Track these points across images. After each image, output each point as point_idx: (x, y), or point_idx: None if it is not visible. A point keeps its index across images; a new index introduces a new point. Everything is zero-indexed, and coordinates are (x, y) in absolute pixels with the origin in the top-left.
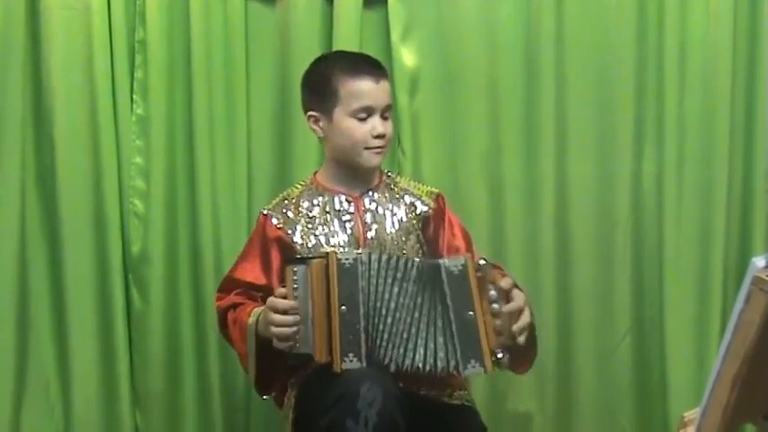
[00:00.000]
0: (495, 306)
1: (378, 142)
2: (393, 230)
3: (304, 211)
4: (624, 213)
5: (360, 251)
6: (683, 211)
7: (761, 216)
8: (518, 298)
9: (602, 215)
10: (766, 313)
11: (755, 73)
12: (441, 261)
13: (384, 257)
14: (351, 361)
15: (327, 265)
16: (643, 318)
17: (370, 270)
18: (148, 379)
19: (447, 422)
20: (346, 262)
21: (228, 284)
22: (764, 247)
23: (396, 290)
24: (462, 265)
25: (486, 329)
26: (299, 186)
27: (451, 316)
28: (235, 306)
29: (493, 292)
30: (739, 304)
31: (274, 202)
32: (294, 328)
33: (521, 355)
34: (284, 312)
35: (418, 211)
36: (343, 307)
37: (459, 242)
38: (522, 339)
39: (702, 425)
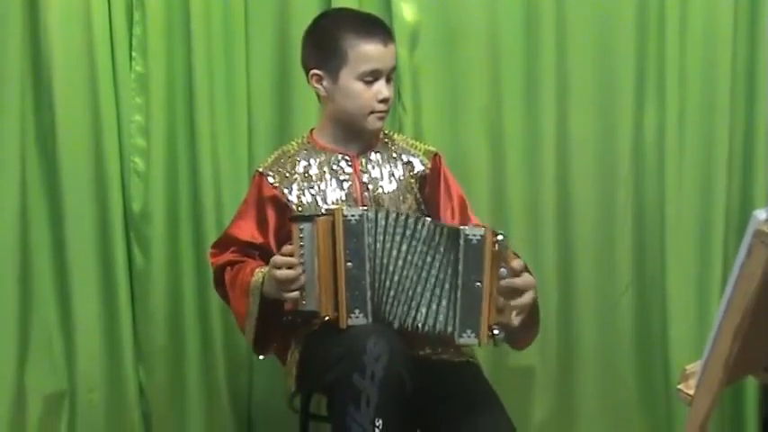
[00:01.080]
0: (503, 284)
1: (382, 107)
2: (391, 190)
3: (301, 170)
4: (625, 168)
5: (366, 208)
6: (684, 164)
7: (762, 169)
8: (525, 278)
9: (603, 170)
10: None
11: (757, 23)
12: (462, 228)
13: (392, 215)
14: (356, 317)
15: (333, 222)
16: (644, 272)
17: (376, 227)
18: (151, 335)
19: (450, 379)
20: (352, 218)
21: (224, 242)
22: (766, 200)
23: (404, 247)
24: (481, 236)
25: (490, 304)
26: (296, 144)
27: (459, 282)
28: (232, 264)
29: (503, 270)
30: (740, 257)
31: (270, 159)
32: (301, 282)
33: (521, 333)
34: (290, 268)
35: (416, 171)
36: (349, 263)
37: (454, 204)
38: (516, 319)
39: (704, 377)
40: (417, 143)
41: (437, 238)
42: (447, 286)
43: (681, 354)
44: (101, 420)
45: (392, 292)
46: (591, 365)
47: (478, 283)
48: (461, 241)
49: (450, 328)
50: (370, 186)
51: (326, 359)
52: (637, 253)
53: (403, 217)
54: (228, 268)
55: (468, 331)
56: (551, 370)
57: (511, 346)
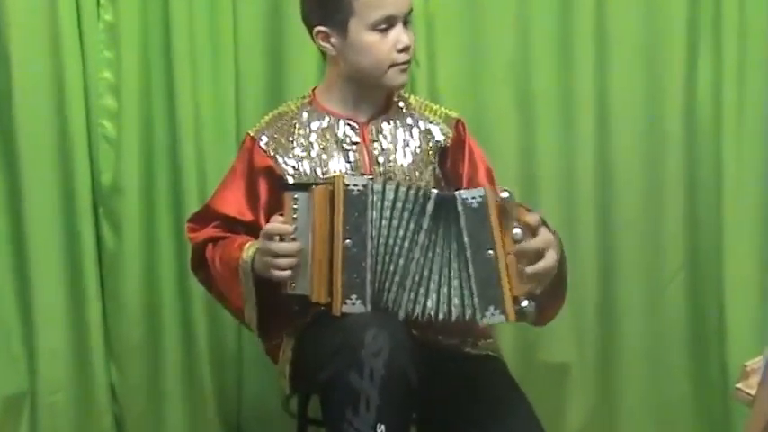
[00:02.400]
0: (520, 247)
1: (404, 57)
2: (405, 163)
3: (299, 136)
4: (676, 132)
5: (371, 177)
6: (743, 126)
7: None
8: (543, 236)
9: (649, 135)
10: None
11: None
12: (457, 193)
13: (402, 188)
14: (353, 303)
15: (333, 191)
16: (698, 252)
17: (383, 200)
18: (124, 329)
19: (469, 375)
20: (355, 189)
21: (205, 215)
22: None
23: (412, 226)
24: (481, 197)
25: (509, 271)
26: (294, 105)
27: (468, 255)
28: (214, 240)
29: (518, 230)
30: None
31: (264, 121)
32: (296, 258)
33: (543, 303)
34: (284, 240)
35: (435, 141)
36: (348, 241)
37: (481, 178)
38: (533, 285)
39: None
40: (437, 107)
41: (438, 210)
42: (456, 264)
43: (740, 348)
44: (66, 426)
45: (397, 278)
46: (636, 361)
47: (490, 252)
48: (460, 207)
49: (469, 311)
50: (381, 159)
51: (320, 355)
52: (689, 230)
53: (413, 190)
54: (210, 245)
55: (491, 308)
56: (589, 366)
57: (531, 321)
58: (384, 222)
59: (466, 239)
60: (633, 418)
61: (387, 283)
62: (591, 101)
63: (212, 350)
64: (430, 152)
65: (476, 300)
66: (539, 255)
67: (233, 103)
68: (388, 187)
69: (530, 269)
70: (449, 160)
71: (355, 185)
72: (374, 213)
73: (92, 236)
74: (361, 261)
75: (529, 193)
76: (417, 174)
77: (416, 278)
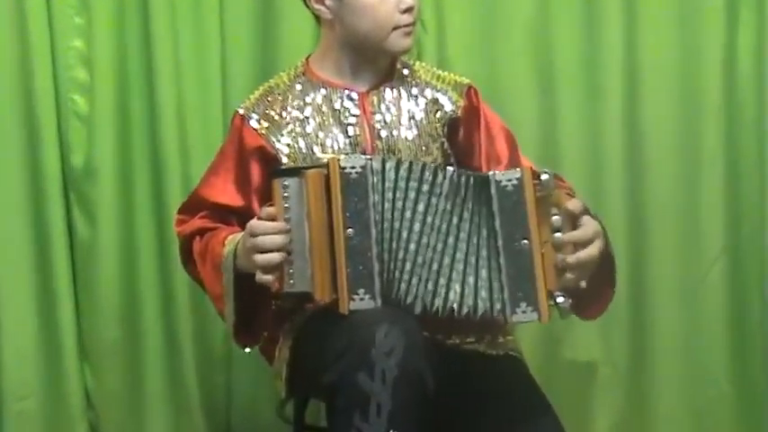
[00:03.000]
0: (559, 235)
1: (407, 18)
2: (410, 137)
3: (293, 111)
4: (714, 102)
5: (369, 157)
6: None
7: None
8: (588, 226)
9: (685, 105)
10: None
11: None
12: (490, 174)
13: (404, 165)
14: (361, 299)
15: (328, 176)
16: (739, 236)
17: (384, 181)
18: (99, 329)
19: (486, 377)
20: (352, 171)
21: (193, 205)
22: None
23: (421, 207)
24: (518, 180)
25: (545, 264)
26: (287, 77)
27: (500, 244)
28: (202, 232)
29: (556, 218)
30: None
31: (254, 97)
32: (283, 254)
33: (590, 297)
34: (271, 234)
35: (444, 111)
36: (350, 230)
37: (501, 147)
38: (578, 277)
39: None
40: (445, 74)
41: (462, 191)
42: (484, 252)
43: None
44: None
45: (408, 266)
46: (670, 359)
47: (525, 241)
48: (493, 190)
49: (498, 306)
50: (384, 133)
51: (324, 356)
52: (730, 211)
53: (419, 166)
54: (198, 238)
55: (523, 305)
56: (620, 366)
57: (578, 315)
58: (387, 205)
59: (498, 226)
60: (667, 423)
61: (396, 273)
62: (619, 69)
63: (199, 351)
64: (437, 124)
65: (506, 294)
66: (583, 243)
67: (219, 73)
68: (388, 165)
69: (570, 259)
70: (461, 132)
71: (352, 168)
72: (376, 197)
73: (62, 225)
74: (366, 251)
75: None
76: (424, 148)
77: (434, 266)
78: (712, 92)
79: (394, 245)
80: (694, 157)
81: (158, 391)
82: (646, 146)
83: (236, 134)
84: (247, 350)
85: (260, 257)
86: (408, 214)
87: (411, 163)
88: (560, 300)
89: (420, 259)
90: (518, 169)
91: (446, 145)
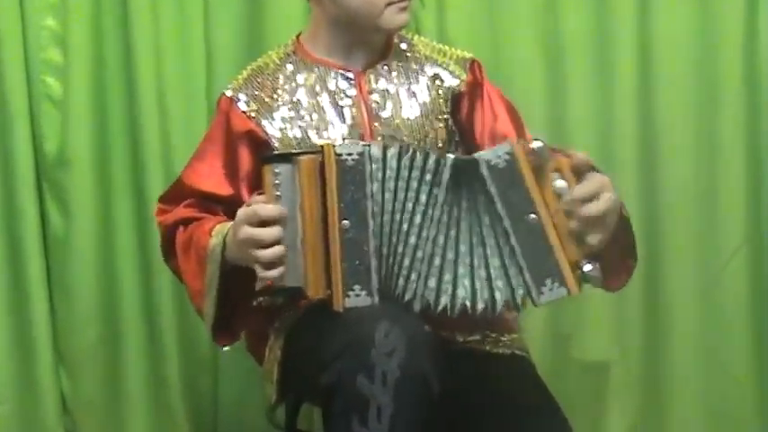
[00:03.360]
0: (567, 200)
1: None
2: (412, 117)
3: (284, 93)
4: (734, 81)
5: (368, 143)
6: None
7: None
8: (592, 178)
9: (703, 86)
10: None
11: None
12: (477, 155)
13: (407, 152)
14: (357, 296)
15: (322, 163)
16: (762, 224)
17: (384, 169)
18: (76, 329)
19: (490, 377)
20: (349, 158)
21: (176, 193)
22: None
23: (423, 198)
24: (508, 154)
25: (560, 233)
26: (276, 56)
27: (507, 226)
28: (185, 222)
29: (560, 182)
30: None
31: (241, 77)
32: (283, 248)
33: (612, 262)
34: (268, 225)
35: (446, 86)
36: (346, 221)
37: (505, 125)
38: (599, 237)
39: None
40: (446, 48)
41: (459, 178)
42: (492, 240)
43: None
44: None
45: (407, 261)
46: (688, 357)
47: (532, 216)
48: (484, 171)
49: (520, 291)
50: (383, 114)
51: (319, 356)
52: (751, 200)
53: (421, 155)
54: (181, 228)
55: (548, 282)
56: (634, 365)
57: (602, 286)
58: (388, 195)
59: (499, 207)
60: (685, 425)
61: (395, 268)
62: (631, 44)
63: (183, 352)
64: (441, 101)
65: (527, 276)
66: (588, 202)
67: (202, 54)
68: (389, 152)
69: (583, 211)
70: (464, 108)
71: (349, 154)
72: (374, 186)
73: (35, 217)
74: (363, 244)
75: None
76: (427, 128)
77: (437, 261)
78: (731, 72)
79: (393, 238)
80: (713, 141)
81: (139, 395)
82: (659, 127)
83: (223, 118)
84: (226, 348)
85: (263, 253)
86: (410, 206)
87: (415, 150)
88: (588, 267)
89: (420, 254)
90: (505, 143)
91: (450, 122)
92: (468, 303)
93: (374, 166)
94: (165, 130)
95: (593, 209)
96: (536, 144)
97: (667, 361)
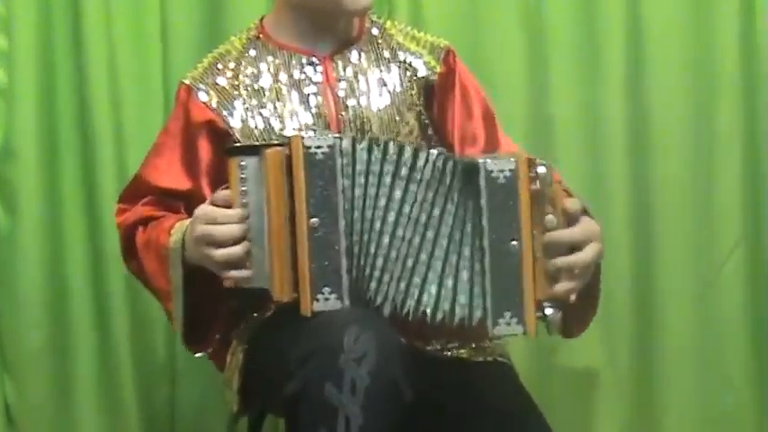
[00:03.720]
0: (552, 237)
1: None
2: (382, 106)
3: (246, 80)
4: (733, 71)
5: (339, 135)
6: None
7: None
8: (583, 224)
9: (699, 73)
10: None
11: None
12: (481, 161)
13: (378, 145)
14: (326, 299)
15: (290, 156)
16: (760, 222)
17: (355, 164)
18: (21, 333)
19: (470, 385)
20: (318, 151)
21: (134, 190)
22: None
23: (398, 194)
24: (512, 171)
25: (535, 271)
26: (239, 42)
27: (485, 243)
28: (145, 221)
29: (551, 217)
30: None
31: (201, 66)
32: (246, 245)
33: (576, 312)
34: (229, 222)
35: (419, 76)
36: (315, 219)
37: (477, 125)
38: (567, 286)
39: None
40: (420, 35)
41: (447, 178)
42: (467, 252)
43: None
44: None
45: (380, 261)
46: (681, 362)
47: (514, 243)
48: (482, 181)
49: (478, 313)
50: (350, 102)
51: (284, 363)
52: (748, 196)
53: (395, 147)
54: (140, 228)
55: (508, 315)
56: (624, 371)
57: (561, 332)
58: (359, 191)
59: (485, 223)
60: None
61: (368, 270)
62: (621, 26)
63: (137, 358)
64: (413, 92)
65: (489, 301)
66: (579, 248)
67: (158, 39)
68: (359, 146)
69: (561, 261)
70: (436, 102)
71: (318, 147)
72: (345, 181)
73: None
74: (334, 244)
75: (539, 151)
76: (397, 119)
77: (409, 263)
78: (729, 59)
79: (365, 237)
80: (708, 134)
81: (90, 403)
82: (652, 120)
83: (182, 109)
84: (198, 355)
85: (219, 253)
86: (383, 202)
87: (387, 143)
88: (549, 312)
89: (394, 254)
90: (512, 159)
91: (423, 114)
92: (428, 311)
93: (345, 160)
94: (119, 121)
95: (578, 259)
96: (541, 168)
97: (659, 366)
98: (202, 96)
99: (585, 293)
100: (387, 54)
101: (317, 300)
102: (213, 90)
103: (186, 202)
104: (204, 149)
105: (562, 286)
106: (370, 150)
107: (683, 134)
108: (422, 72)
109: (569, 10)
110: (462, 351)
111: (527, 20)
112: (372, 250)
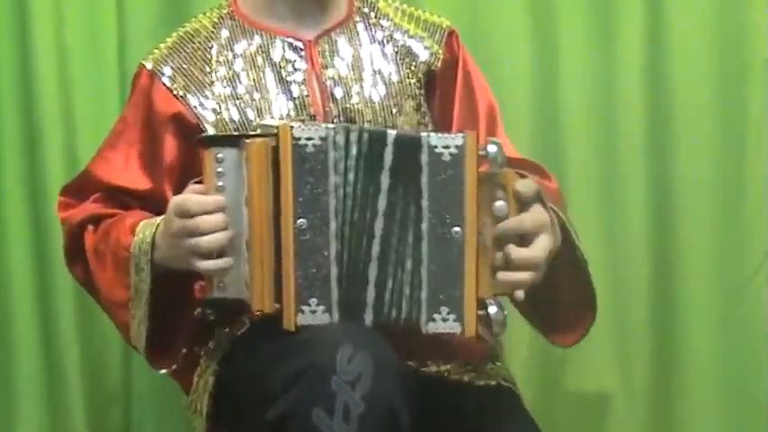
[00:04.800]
0: (502, 227)
1: None
2: (376, 96)
3: (219, 66)
4: (762, 51)
5: (333, 126)
6: None
7: None
8: (533, 213)
9: (723, 61)
10: None
11: None
12: (424, 135)
13: (364, 134)
14: (312, 311)
15: (276, 148)
16: None
17: (346, 158)
18: None
19: (470, 411)
20: (309, 143)
21: (82, 185)
22: None
23: (371, 189)
24: (458, 148)
25: (479, 262)
26: (208, 20)
27: (423, 228)
28: (96, 220)
29: (501, 203)
30: None
31: (165, 45)
32: (229, 233)
33: (563, 315)
34: (211, 212)
35: (418, 60)
36: (302, 220)
37: (479, 125)
38: (517, 290)
39: None
40: (419, 12)
41: (400, 158)
42: (410, 238)
43: None
44: None
45: (364, 267)
46: (704, 386)
47: (456, 229)
48: (424, 157)
49: (414, 310)
50: (338, 92)
51: (265, 385)
52: None
53: (368, 135)
54: (90, 227)
55: (444, 310)
56: (640, 394)
57: (550, 340)
58: (348, 190)
59: (424, 205)
60: None
61: (355, 278)
62: (638, 9)
63: (87, 378)
64: (412, 79)
65: (423, 295)
66: (525, 240)
67: (114, 14)
68: (352, 136)
69: (510, 252)
70: (438, 94)
71: (309, 139)
72: (337, 179)
73: None
74: (322, 249)
75: (548, 148)
76: (394, 110)
77: (379, 261)
78: (759, 42)
79: (354, 241)
80: (737, 129)
81: (35, 428)
82: (674, 114)
83: (143, 96)
84: (163, 371)
85: (202, 240)
86: (364, 200)
87: (368, 132)
88: (493, 310)
89: (372, 254)
90: (460, 134)
91: (422, 104)
92: (385, 309)
93: (337, 153)
94: (68, 106)
95: (528, 255)
96: (491, 147)
97: (679, 389)
98: (167, 82)
99: (570, 293)
100: (380, 36)
101: (303, 312)
102: (180, 75)
103: (143, 203)
104: (169, 147)
105: (506, 279)
106: (359, 142)
107: (708, 129)
108: (423, 57)
109: None
110: (464, 374)
111: (534, 4)
112: (359, 255)
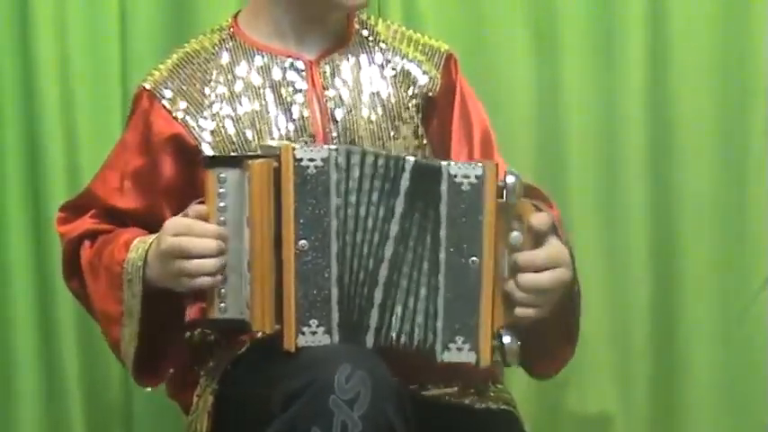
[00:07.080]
0: (518, 258)
1: None
2: (373, 117)
3: (219, 86)
4: (763, 67)
5: (334, 147)
6: None
7: None
8: (550, 247)
9: (726, 72)
10: None
11: None
12: (444, 164)
13: (369, 157)
14: (313, 333)
15: (279, 169)
16: None
17: (348, 180)
18: None
19: None
20: (311, 164)
21: (82, 202)
22: None
23: (381, 212)
24: (478, 178)
25: (494, 293)
26: (209, 41)
27: (441, 258)
28: (92, 235)
29: (516, 234)
30: None
31: (165, 67)
32: (222, 259)
33: (546, 346)
34: (204, 236)
35: (417, 85)
36: (304, 241)
37: (475, 141)
38: (527, 312)
39: None
40: (417, 36)
41: (418, 186)
42: (426, 266)
43: None
44: None
45: (365, 290)
46: (707, 407)
47: (474, 259)
48: (444, 186)
49: (430, 338)
50: (339, 113)
51: (264, 404)
52: None
53: (383, 160)
54: (87, 243)
55: (459, 340)
56: (641, 418)
57: (527, 369)
58: (350, 212)
59: (443, 233)
60: None
61: (357, 300)
62: (640, 24)
63: (87, 394)
64: (409, 103)
65: (439, 324)
66: (541, 269)
67: (117, 34)
68: (353, 159)
69: (530, 279)
70: (436, 119)
71: (311, 160)
72: (338, 200)
73: None
74: (323, 270)
75: (549, 164)
76: (391, 133)
77: (385, 285)
78: (761, 58)
79: (356, 264)
80: (737, 147)
81: None
82: (676, 130)
83: (142, 118)
84: (149, 389)
85: (192, 263)
86: (370, 223)
87: (377, 156)
88: (507, 340)
89: (377, 279)
90: (479, 164)
91: (419, 127)
92: (393, 335)
93: (339, 175)
94: (70, 123)
95: (542, 280)
96: (510, 178)
97: (681, 412)
98: (167, 104)
99: (557, 325)
100: (379, 59)
101: (303, 333)
102: (180, 97)
103: (139, 223)
104: (167, 168)
105: (522, 312)
106: (362, 164)
107: (710, 147)
108: (421, 82)
109: (583, 3)
110: (465, 398)
111: (535, 15)
112: (361, 278)
